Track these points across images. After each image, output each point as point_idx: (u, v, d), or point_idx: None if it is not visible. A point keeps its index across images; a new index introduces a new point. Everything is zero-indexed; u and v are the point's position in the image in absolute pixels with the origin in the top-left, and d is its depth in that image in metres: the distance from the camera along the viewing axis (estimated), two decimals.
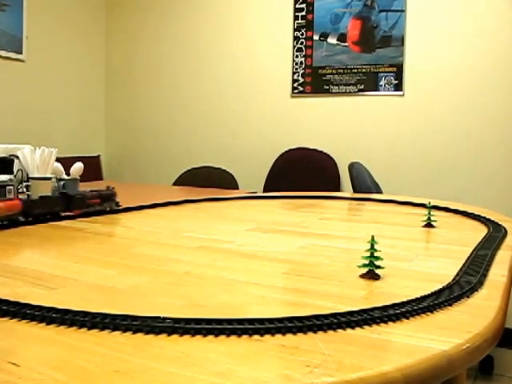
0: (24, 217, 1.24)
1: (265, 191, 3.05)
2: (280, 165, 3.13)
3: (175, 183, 2.81)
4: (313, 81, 3.06)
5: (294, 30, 3.10)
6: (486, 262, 0.87)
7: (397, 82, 2.84)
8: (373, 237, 0.78)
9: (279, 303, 0.66)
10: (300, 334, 0.54)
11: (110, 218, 1.33)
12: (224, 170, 2.94)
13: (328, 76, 3.01)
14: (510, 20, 2.59)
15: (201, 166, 3.08)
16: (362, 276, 0.78)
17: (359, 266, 0.79)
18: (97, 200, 1.43)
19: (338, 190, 2.96)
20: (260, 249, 0.99)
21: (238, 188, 2.81)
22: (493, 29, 2.63)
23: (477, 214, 1.44)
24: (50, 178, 1.64)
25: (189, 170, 2.98)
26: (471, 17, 2.67)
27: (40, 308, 0.58)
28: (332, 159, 3.00)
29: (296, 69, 3.10)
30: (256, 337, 0.53)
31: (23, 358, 0.47)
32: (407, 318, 0.60)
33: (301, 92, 3.10)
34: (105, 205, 1.46)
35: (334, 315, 0.58)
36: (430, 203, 1.34)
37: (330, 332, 0.55)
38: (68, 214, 1.34)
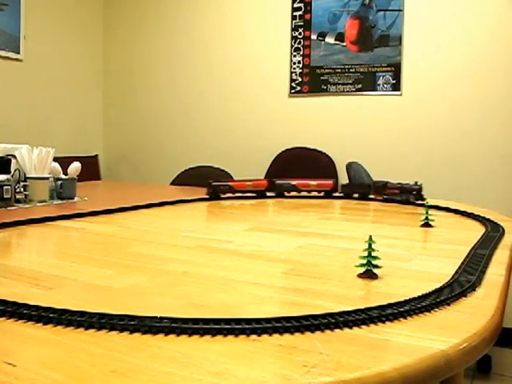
0: (342, 193, 1.73)
1: None
2: (278, 164, 3.13)
3: (173, 183, 2.81)
4: (310, 80, 3.06)
5: (292, 29, 3.10)
6: (483, 261, 0.87)
7: (394, 81, 2.84)
8: (370, 236, 0.78)
9: (277, 303, 0.66)
10: (297, 334, 0.54)
11: (109, 218, 1.33)
12: (222, 170, 2.94)
13: (326, 76, 3.01)
14: (509, 19, 2.59)
15: (199, 165, 3.08)
16: (360, 276, 0.78)
17: (357, 266, 0.79)
18: (396, 190, 1.67)
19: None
20: (259, 248, 0.99)
21: None
22: (491, 28, 2.63)
23: (475, 213, 1.44)
24: (47, 178, 1.64)
25: (186, 170, 2.98)
26: (469, 16, 2.67)
27: (37, 308, 0.58)
28: (330, 159, 3.00)
29: (294, 68, 3.10)
30: (253, 337, 0.53)
31: (20, 358, 0.47)
32: (405, 318, 0.60)
33: (298, 92, 3.10)
34: (404, 196, 1.67)
35: (331, 315, 0.58)
36: (427, 203, 1.34)
37: (328, 332, 0.55)
38: (374, 197, 1.69)
